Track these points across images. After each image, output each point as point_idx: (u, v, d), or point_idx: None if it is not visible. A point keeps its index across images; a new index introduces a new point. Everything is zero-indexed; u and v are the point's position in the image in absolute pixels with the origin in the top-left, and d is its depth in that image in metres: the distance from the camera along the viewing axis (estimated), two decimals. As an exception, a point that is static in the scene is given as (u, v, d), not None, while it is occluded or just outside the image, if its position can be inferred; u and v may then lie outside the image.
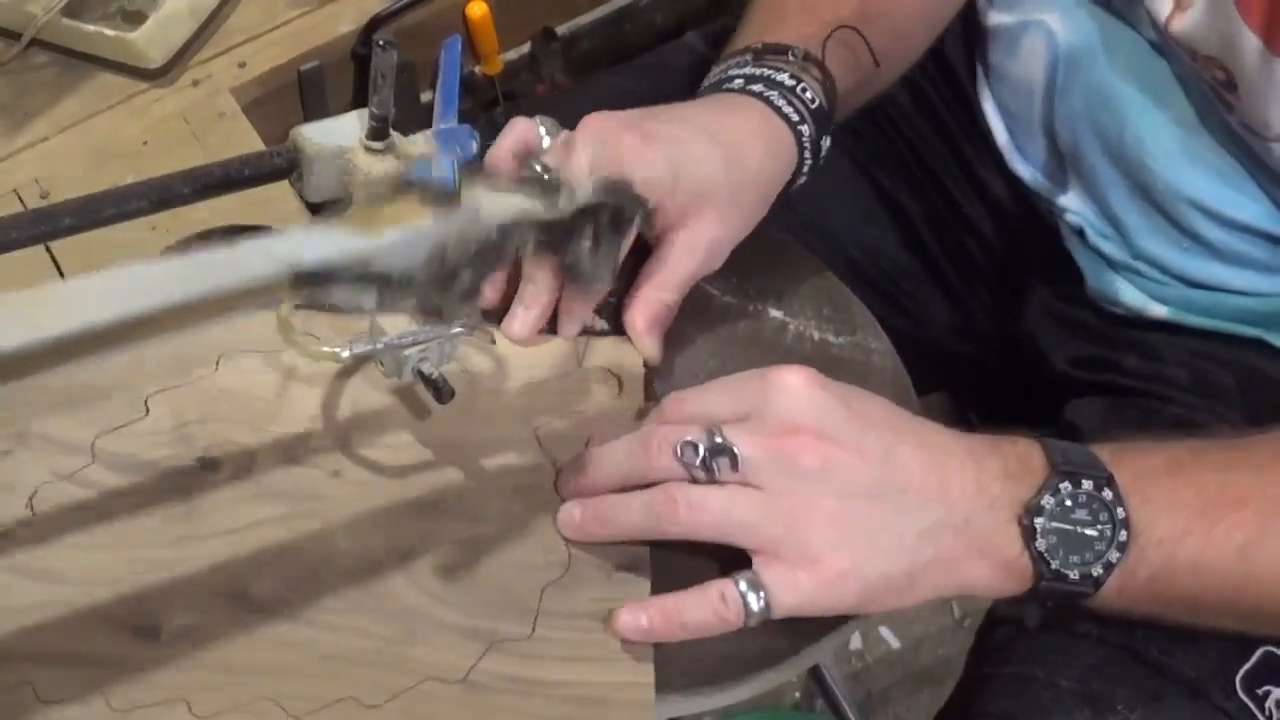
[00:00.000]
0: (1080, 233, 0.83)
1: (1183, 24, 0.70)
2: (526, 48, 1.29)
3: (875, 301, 0.90)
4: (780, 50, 0.74)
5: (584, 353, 0.68)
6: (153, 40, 1.00)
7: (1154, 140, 0.77)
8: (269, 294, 0.49)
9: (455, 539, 0.59)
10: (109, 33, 0.99)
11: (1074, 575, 0.57)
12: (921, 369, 0.74)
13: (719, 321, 0.73)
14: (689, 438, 0.57)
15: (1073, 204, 0.83)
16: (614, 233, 0.60)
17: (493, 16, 1.17)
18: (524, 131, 0.69)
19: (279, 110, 1.04)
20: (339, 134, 0.51)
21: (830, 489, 0.56)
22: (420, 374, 0.58)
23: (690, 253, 0.68)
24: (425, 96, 1.15)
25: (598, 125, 0.67)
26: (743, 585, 0.56)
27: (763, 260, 0.75)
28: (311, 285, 0.49)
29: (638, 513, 0.58)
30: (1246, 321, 0.79)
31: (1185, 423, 0.78)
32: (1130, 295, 0.82)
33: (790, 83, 0.73)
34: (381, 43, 0.49)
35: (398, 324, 0.58)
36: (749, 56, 0.75)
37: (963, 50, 0.90)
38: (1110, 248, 0.81)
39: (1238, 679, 0.66)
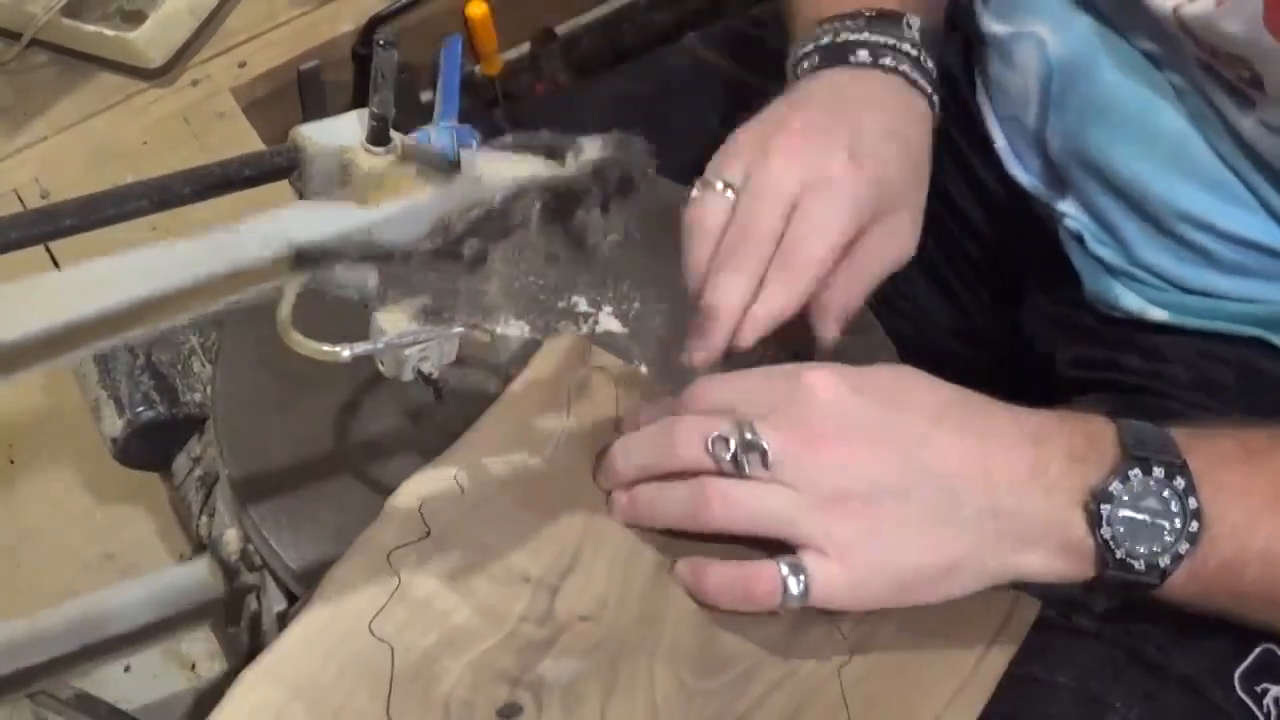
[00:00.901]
0: (1079, 238, 0.83)
1: (1194, 10, 0.70)
2: (526, 48, 1.29)
3: (875, 304, 0.90)
4: (895, 18, 0.74)
5: (589, 352, 0.68)
6: (152, 40, 1.00)
7: (1148, 154, 0.76)
8: (271, 275, 0.48)
9: None
10: (109, 33, 0.99)
11: (1140, 566, 0.56)
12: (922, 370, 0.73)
13: None
14: (720, 432, 0.57)
15: (1071, 210, 0.83)
16: (623, 193, 0.59)
17: (493, 16, 1.17)
18: (717, 214, 0.68)
19: (279, 110, 1.05)
20: (339, 134, 0.51)
21: (859, 485, 0.56)
22: (420, 373, 0.58)
23: (888, 249, 0.69)
24: (425, 96, 1.15)
25: (795, 145, 0.67)
26: (784, 569, 0.56)
27: None
28: (313, 264, 0.49)
29: (675, 505, 0.58)
30: (1247, 323, 0.79)
31: (1186, 420, 0.78)
32: (1129, 300, 0.82)
33: (914, 53, 0.73)
34: (381, 42, 0.49)
35: (398, 323, 0.58)
36: (862, 22, 0.74)
37: (960, 56, 0.90)
38: (1109, 254, 0.81)
39: (1236, 677, 0.65)
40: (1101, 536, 0.55)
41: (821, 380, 0.57)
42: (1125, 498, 0.55)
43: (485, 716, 0.53)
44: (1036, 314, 0.89)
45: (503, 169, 0.54)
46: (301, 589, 0.60)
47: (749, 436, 0.56)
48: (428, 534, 0.58)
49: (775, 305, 0.65)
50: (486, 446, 0.62)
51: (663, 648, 0.56)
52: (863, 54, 0.72)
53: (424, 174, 0.51)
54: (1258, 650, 0.65)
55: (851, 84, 0.72)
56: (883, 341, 0.74)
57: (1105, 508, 0.55)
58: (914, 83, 0.72)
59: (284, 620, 0.64)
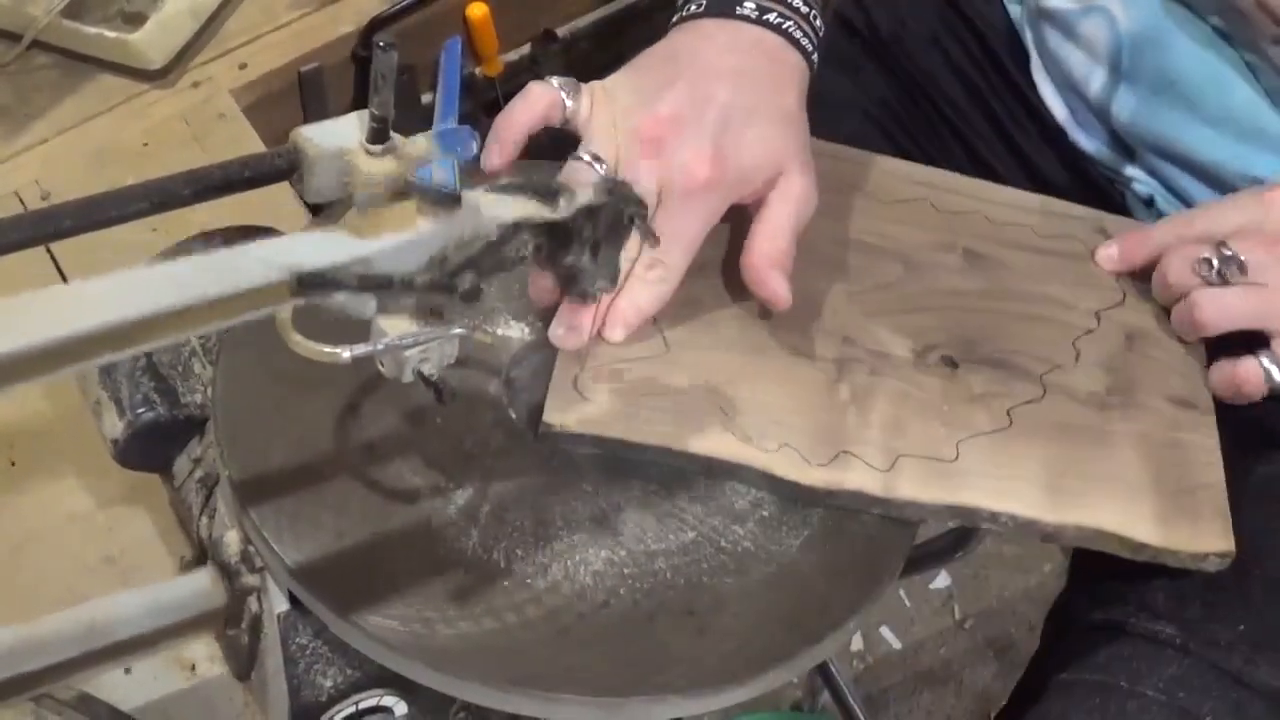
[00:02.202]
0: (1148, 201, 0.84)
1: None
2: (527, 49, 1.30)
3: None
4: None
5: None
6: (153, 42, 1.00)
7: (1220, 126, 0.78)
8: (270, 299, 0.49)
9: None
10: (109, 34, 0.99)
11: None
12: None
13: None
14: (1204, 254, 0.70)
15: (1139, 175, 0.84)
16: (614, 235, 0.60)
17: (493, 18, 1.17)
18: (544, 103, 0.71)
19: (279, 111, 1.05)
20: (339, 135, 0.51)
21: None
22: (421, 375, 0.58)
23: (786, 202, 0.69)
24: (426, 98, 1.16)
25: (660, 142, 0.68)
26: (1266, 361, 0.69)
27: None
28: (312, 290, 0.49)
29: (1178, 281, 0.72)
30: None
31: (1255, 425, 0.79)
32: None
33: (804, 9, 0.73)
34: (382, 44, 0.49)
35: (398, 325, 0.58)
36: None
37: (1005, 33, 0.91)
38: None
39: None
40: None
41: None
42: None
43: (954, 379, 0.69)
44: None
45: (500, 206, 0.55)
46: (302, 590, 0.60)
47: (1227, 252, 0.69)
48: (783, 446, 0.65)
49: (640, 300, 0.67)
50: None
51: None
52: (749, 6, 0.72)
53: (424, 207, 0.52)
54: None
55: (723, 40, 0.72)
56: None
57: None
58: (795, 41, 0.72)
59: (286, 622, 0.64)
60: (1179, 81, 0.78)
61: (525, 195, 0.56)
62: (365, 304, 0.52)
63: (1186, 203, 0.82)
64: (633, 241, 0.63)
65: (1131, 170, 0.85)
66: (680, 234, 0.66)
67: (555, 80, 0.72)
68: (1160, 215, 0.84)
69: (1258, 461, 0.77)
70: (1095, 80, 0.83)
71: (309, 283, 0.48)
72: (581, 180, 0.66)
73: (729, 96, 0.69)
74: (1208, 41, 0.78)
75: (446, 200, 0.51)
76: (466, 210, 0.53)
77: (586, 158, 0.69)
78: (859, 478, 0.64)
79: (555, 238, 0.58)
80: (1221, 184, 0.79)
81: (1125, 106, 0.82)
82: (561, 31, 1.30)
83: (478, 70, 1.22)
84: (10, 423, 0.85)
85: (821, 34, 0.75)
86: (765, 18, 0.72)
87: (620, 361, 0.67)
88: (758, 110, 0.69)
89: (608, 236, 0.60)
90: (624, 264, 0.64)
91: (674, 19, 0.75)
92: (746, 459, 0.64)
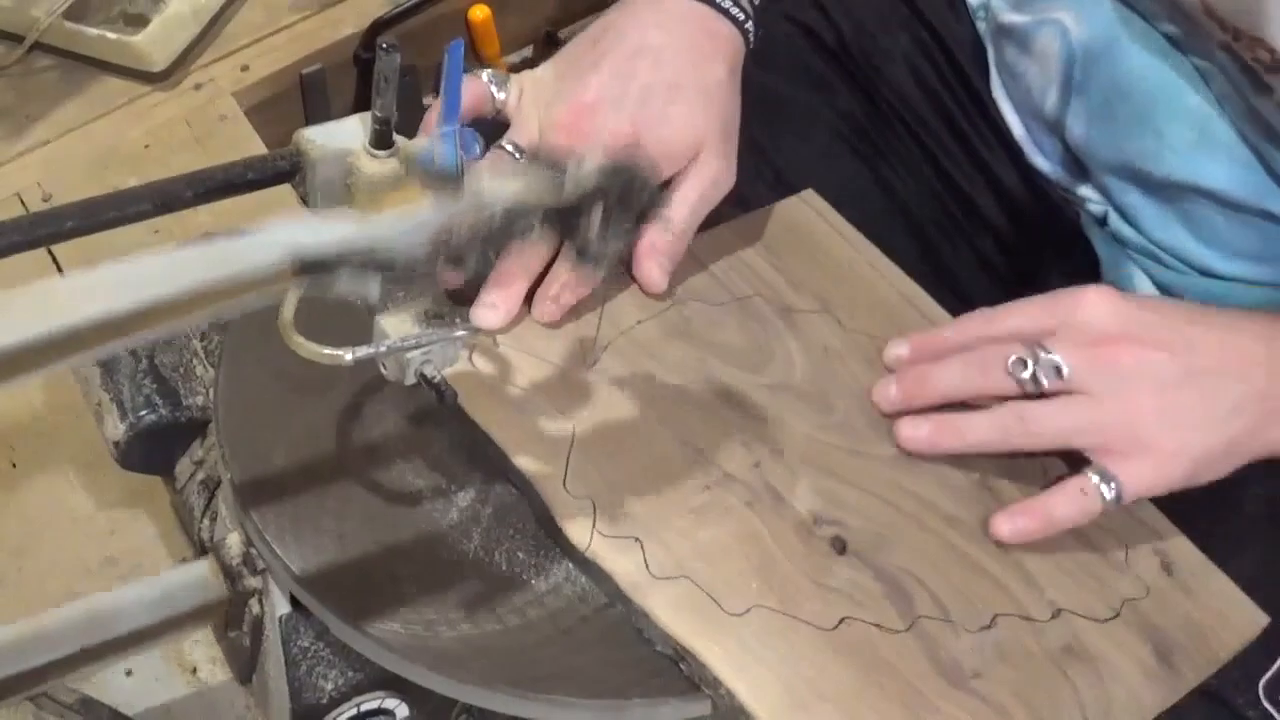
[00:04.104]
0: (1102, 221, 0.84)
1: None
2: (528, 51, 1.30)
3: None
4: None
5: (595, 352, 0.68)
6: (155, 43, 1.00)
7: (1173, 132, 0.77)
8: (274, 282, 0.48)
9: None
10: (111, 36, 0.99)
11: None
12: None
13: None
14: (1018, 355, 0.63)
15: (1092, 194, 0.84)
16: (621, 214, 0.59)
17: (495, 20, 1.17)
18: (473, 95, 0.71)
19: (281, 113, 1.05)
20: (342, 137, 0.51)
21: (1148, 384, 0.62)
22: (423, 377, 0.58)
23: (691, 186, 0.70)
24: (428, 100, 1.15)
25: (577, 127, 0.69)
26: (1094, 479, 0.62)
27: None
28: (315, 273, 0.49)
29: (987, 429, 0.64)
30: None
31: None
32: (1145, 290, 0.82)
33: None
34: (384, 46, 0.49)
35: (401, 327, 0.58)
36: None
37: (971, 48, 0.91)
38: (1130, 233, 0.82)
39: (1260, 686, 0.66)
40: None
41: (1098, 293, 0.64)
42: None
43: (837, 562, 0.60)
44: None
45: (503, 185, 0.54)
46: (304, 593, 0.60)
47: (1043, 355, 0.63)
48: (594, 506, 0.61)
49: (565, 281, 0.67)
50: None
51: (792, 425, 0.65)
52: None
53: (427, 186, 0.51)
54: None
55: (651, 18, 0.72)
56: None
57: None
58: (725, 11, 0.73)
59: (287, 624, 0.64)
60: (1132, 92, 0.78)
61: (529, 176, 0.56)
62: (368, 285, 0.51)
63: (1134, 224, 0.82)
64: None
65: (1084, 190, 0.84)
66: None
67: (484, 73, 0.73)
68: (1113, 235, 0.84)
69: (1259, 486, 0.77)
70: (1050, 96, 0.83)
71: (311, 264, 0.48)
72: (504, 170, 0.66)
73: (650, 74, 0.70)
74: (1159, 50, 0.77)
75: (449, 181, 0.51)
76: (469, 189, 0.52)
77: (509, 147, 0.70)
78: (624, 562, 0.59)
79: (561, 215, 0.57)
80: (1172, 198, 0.79)
81: (1078, 121, 0.82)
82: (563, 33, 1.30)
83: (480, 72, 1.22)
84: (12, 424, 0.85)
85: (757, 3, 0.75)
86: None
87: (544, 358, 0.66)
88: (680, 85, 0.70)
89: (615, 213, 0.59)
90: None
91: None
92: (539, 483, 0.61)
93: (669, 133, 0.69)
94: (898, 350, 0.69)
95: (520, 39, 1.27)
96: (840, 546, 0.61)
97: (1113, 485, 0.62)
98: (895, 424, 0.66)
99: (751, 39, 0.75)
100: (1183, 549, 0.65)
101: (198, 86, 1.01)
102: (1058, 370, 0.62)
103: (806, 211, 0.78)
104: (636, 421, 0.64)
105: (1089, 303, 0.64)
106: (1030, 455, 0.65)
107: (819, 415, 0.66)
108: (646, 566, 0.59)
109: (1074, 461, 0.64)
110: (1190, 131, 0.76)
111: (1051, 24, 0.82)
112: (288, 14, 1.07)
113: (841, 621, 0.58)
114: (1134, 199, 0.81)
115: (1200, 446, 0.63)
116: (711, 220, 0.72)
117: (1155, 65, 0.77)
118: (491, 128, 0.75)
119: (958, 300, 0.95)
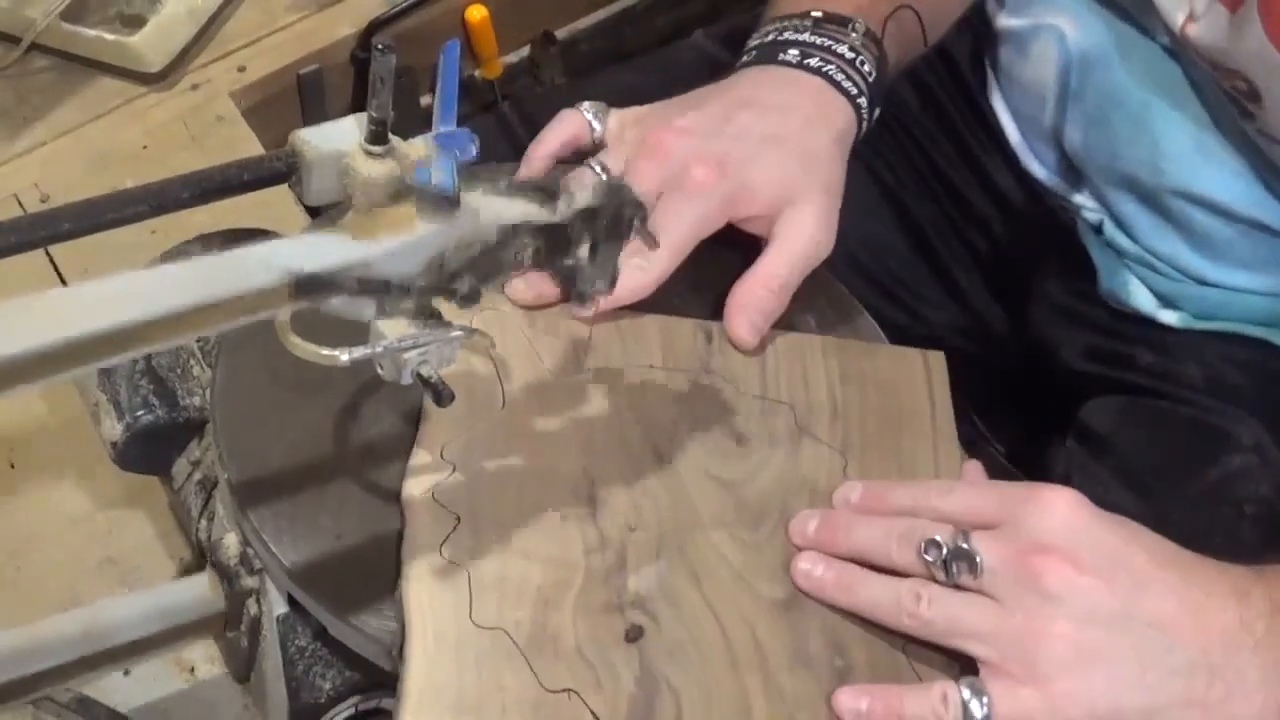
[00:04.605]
0: (1098, 229, 0.84)
1: (1197, 31, 0.71)
2: (526, 51, 1.29)
3: (879, 300, 0.90)
4: (842, 21, 0.75)
5: (585, 355, 0.68)
6: (152, 44, 1.00)
7: (1169, 140, 0.77)
8: (269, 303, 0.49)
9: None
10: (108, 37, 0.99)
11: None
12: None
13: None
14: (936, 536, 0.57)
15: (1088, 202, 0.84)
16: (613, 237, 0.60)
17: (492, 20, 1.17)
18: (573, 127, 0.72)
19: (278, 114, 1.05)
20: (338, 138, 0.51)
21: (1068, 612, 0.55)
22: (420, 377, 0.58)
23: (787, 241, 0.69)
24: (424, 100, 1.15)
25: (666, 146, 0.69)
26: (966, 692, 0.55)
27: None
28: (310, 293, 0.49)
29: (881, 595, 0.58)
30: (1258, 322, 0.80)
31: (1200, 425, 0.79)
32: (1142, 299, 0.82)
33: (850, 55, 0.73)
34: (380, 46, 0.49)
35: (397, 327, 0.58)
36: (808, 23, 0.75)
37: (969, 53, 0.91)
38: (1126, 243, 0.82)
39: None
40: None
41: (1062, 497, 0.57)
42: None
43: (617, 646, 0.57)
44: (1046, 310, 0.89)
45: (498, 209, 0.55)
46: (301, 592, 0.60)
47: (962, 545, 0.56)
48: (458, 520, 0.60)
49: (625, 285, 0.66)
50: (444, 426, 0.64)
51: (705, 520, 0.62)
52: (792, 54, 0.74)
53: (423, 209, 0.52)
54: None
55: (764, 82, 0.73)
56: (872, 328, 0.74)
57: None
58: (837, 84, 0.73)
59: (285, 624, 0.64)
60: (1128, 100, 0.78)
61: (524, 197, 0.57)
62: (363, 307, 0.52)
63: (1129, 232, 0.82)
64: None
65: (1080, 198, 0.85)
66: (668, 228, 0.67)
67: (586, 105, 0.74)
68: (1109, 243, 0.83)
69: (1205, 464, 0.77)
70: (1047, 103, 0.83)
71: (307, 286, 0.49)
72: (582, 182, 0.66)
73: (752, 121, 0.70)
74: (1156, 59, 0.77)
75: (445, 202, 0.52)
76: (465, 212, 0.53)
77: (596, 167, 0.70)
78: (423, 521, 0.59)
79: (554, 239, 0.58)
80: (1167, 206, 0.79)
81: (1075, 128, 0.82)
82: (560, 33, 1.30)
83: (477, 73, 1.22)
84: (10, 425, 0.85)
85: (872, 80, 0.74)
86: (806, 62, 0.73)
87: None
88: (779, 139, 0.70)
89: (607, 238, 0.60)
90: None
91: None
92: (411, 499, 0.61)
93: (756, 175, 0.69)
94: (849, 493, 0.63)
95: (518, 39, 1.27)
96: (634, 635, 0.57)
97: (984, 702, 0.55)
98: (796, 556, 0.61)
99: (865, 115, 0.74)
100: None
101: (194, 87, 1.01)
102: (971, 564, 0.56)
103: (917, 369, 0.71)
104: (565, 436, 0.64)
105: (1047, 504, 0.57)
106: (912, 675, 0.58)
107: (740, 525, 0.62)
108: (442, 542, 0.58)
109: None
110: (1185, 141, 0.76)
111: (1048, 30, 0.82)
112: (284, 14, 1.07)
113: (564, 691, 0.55)
114: (1130, 208, 0.81)
115: (1109, 701, 0.54)
116: None
117: (1152, 74, 0.77)
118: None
119: (953, 301, 0.95)
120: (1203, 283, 0.80)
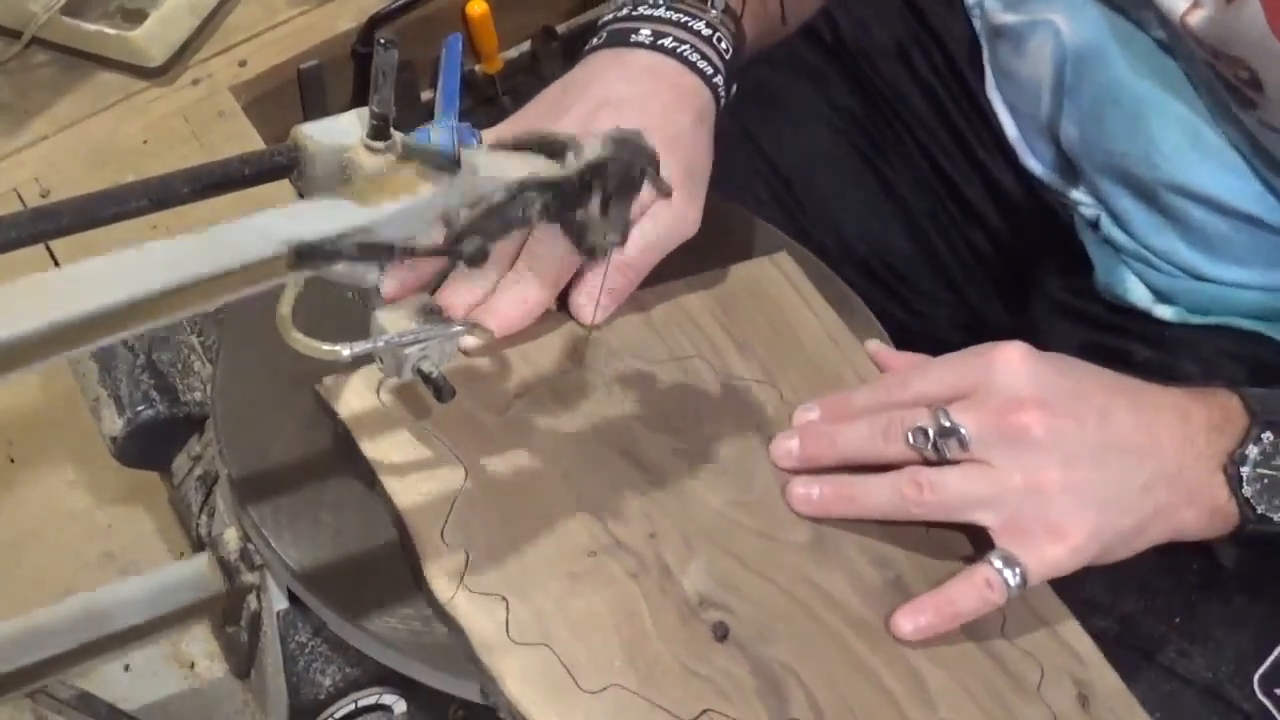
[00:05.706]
0: (1094, 224, 0.84)
1: (1198, 20, 0.71)
2: (527, 46, 1.29)
3: (878, 295, 0.90)
4: None
5: (585, 347, 0.68)
6: (153, 39, 1.00)
7: (1164, 135, 0.77)
8: (270, 273, 0.48)
9: None
10: (109, 31, 0.99)
11: (1278, 518, 0.60)
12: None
13: None
14: (919, 423, 0.59)
15: (1085, 198, 0.84)
16: (624, 189, 0.59)
17: (493, 15, 1.17)
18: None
19: (279, 109, 1.05)
20: (339, 132, 0.51)
21: (1056, 458, 0.58)
22: (420, 372, 0.58)
23: (644, 230, 0.68)
24: (426, 95, 1.15)
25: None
26: (998, 564, 0.58)
27: (758, 255, 0.75)
28: (312, 262, 0.49)
29: (883, 494, 0.60)
30: (1254, 316, 0.80)
31: None
32: (1138, 294, 0.82)
33: (707, 32, 0.72)
34: (383, 41, 0.49)
35: (398, 322, 0.58)
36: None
37: (969, 49, 0.91)
38: (1122, 238, 0.82)
39: (1255, 679, 0.66)
40: (1243, 495, 0.60)
41: (1013, 350, 0.60)
42: (1260, 458, 0.60)
43: (714, 649, 0.56)
44: (1044, 304, 0.89)
45: (503, 167, 0.54)
46: (301, 588, 0.60)
47: (945, 423, 0.59)
48: (468, 557, 0.58)
49: (507, 317, 0.66)
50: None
51: (706, 498, 0.62)
52: (645, 33, 0.72)
53: (424, 172, 0.51)
54: (1277, 652, 0.66)
55: (619, 74, 0.72)
56: (869, 321, 0.74)
57: (1244, 469, 0.60)
58: (692, 65, 0.72)
59: (285, 620, 0.64)
60: (1123, 96, 0.78)
61: (531, 152, 0.56)
62: (367, 273, 0.51)
63: (1125, 227, 0.82)
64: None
65: (1077, 193, 0.84)
66: (545, 252, 0.66)
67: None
68: (1106, 239, 0.83)
69: None
70: (1043, 99, 0.83)
71: (308, 254, 0.48)
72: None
73: (612, 123, 0.69)
74: (1151, 54, 0.77)
75: (447, 163, 0.51)
76: (468, 172, 0.52)
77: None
78: (484, 621, 0.56)
79: (562, 195, 0.57)
80: (1163, 201, 0.79)
81: (1071, 123, 0.82)
82: (561, 28, 1.30)
83: (478, 68, 1.22)
84: (10, 419, 0.85)
85: (729, 57, 0.73)
86: (660, 43, 0.72)
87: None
88: (644, 129, 0.69)
89: (618, 191, 0.59)
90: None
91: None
92: (414, 525, 0.59)
93: None
94: (808, 414, 0.64)
95: (518, 34, 1.27)
96: (722, 633, 0.57)
97: (1017, 571, 0.58)
98: (789, 482, 0.62)
99: (722, 93, 0.73)
100: (1105, 679, 0.60)
101: (195, 82, 1.01)
102: (960, 439, 0.58)
103: (774, 275, 0.73)
104: (537, 475, 0.61)
105: (1004, 362, 0.60)
106: (949, 554, 0.61)
107: (735, 491, 0.62)
108: (507, 628, 0.56)
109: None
110: (1181, 136, 0.76)
111: (1044, 25, 0.82)
112: (285, 9, 1.07)
113: (703, 714, 0.54)
114: (1126, 203, 0.81)
115: (1111, 528, 0.59)
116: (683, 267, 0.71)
117: (1147, 69, 0.77)
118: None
119: (952, 296, 0.95)
120: (1199, 277, 0.81)
